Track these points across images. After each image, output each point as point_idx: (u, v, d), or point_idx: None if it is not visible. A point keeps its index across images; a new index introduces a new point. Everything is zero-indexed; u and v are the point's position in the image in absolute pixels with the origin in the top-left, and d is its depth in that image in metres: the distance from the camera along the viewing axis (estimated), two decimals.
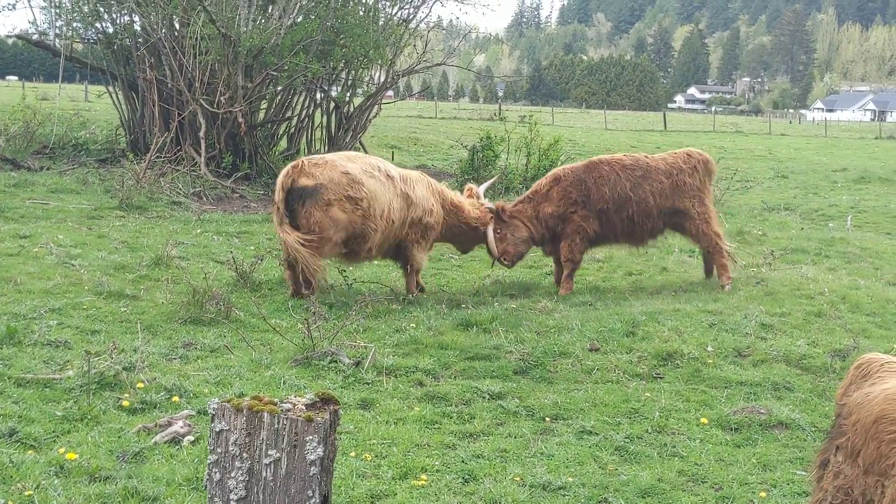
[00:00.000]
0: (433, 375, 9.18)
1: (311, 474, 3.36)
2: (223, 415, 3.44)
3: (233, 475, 3.41)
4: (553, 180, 13.42)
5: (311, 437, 3.33)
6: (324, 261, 11.93)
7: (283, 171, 11.86)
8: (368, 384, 8.80)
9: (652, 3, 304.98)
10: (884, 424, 4.76)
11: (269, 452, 3.39)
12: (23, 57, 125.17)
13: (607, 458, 7.38)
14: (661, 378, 9.39)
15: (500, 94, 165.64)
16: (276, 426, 3.41)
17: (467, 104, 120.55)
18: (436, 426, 7.91)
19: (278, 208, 11.67)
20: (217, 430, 3.44)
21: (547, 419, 8.20)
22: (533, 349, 9.84)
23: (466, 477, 6.88)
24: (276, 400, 3.46)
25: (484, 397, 8.61)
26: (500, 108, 69.21)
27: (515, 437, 7.74)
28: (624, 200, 13.30)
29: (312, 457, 3.34)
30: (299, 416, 3.37)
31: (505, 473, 6.96)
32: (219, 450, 3.46)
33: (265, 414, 3.42)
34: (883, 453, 4.74)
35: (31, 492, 6.08)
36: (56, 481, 6.29)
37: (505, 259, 13.28)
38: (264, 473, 3.41)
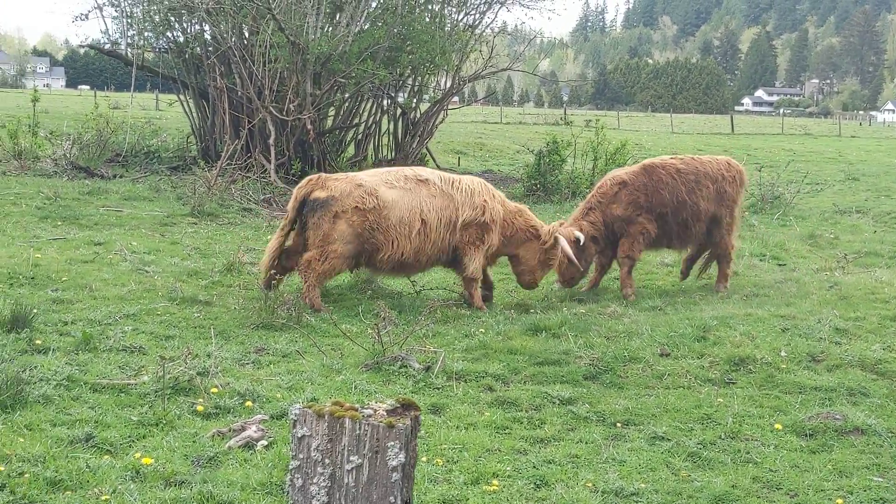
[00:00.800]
0: (503, 380, 9.17)
1: (392, 480, 3.36)
2: (305, 420, 3.45)
3: (315, 481, 3.43)
4: (619, 184, 13.35)
5: (392, 443, 3.34)
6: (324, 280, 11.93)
7: (301, 183, 11.98)
8: (438, 389, 8.81)
9: (718, 5, 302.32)
10: None
11: (351, 458, 3.40)
12: (94, 67, 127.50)
13: (680, 465, 7.31)
14: (733, 383, 9.29)
15: (565, 98, 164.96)
16: (357, 432, 3.42)
17: (532, 109, 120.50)
18: (506, 431, 7.89)
19: (287, 214, 11.85)
20: (299, 435, 3.45)
21: (618, 425, 8.15)
22: (603, 354, 9.80)
23: (538, 482, 6.86)
24: (357, 406, 3.47)
25: (554, 402, 8.58)
26: (565, 113, 69.03)
27: (587, 443, 7.69)
28: (681, 205, 13.37)
29: (394, 463, 3.35)
30: (381, 421, 3.38)
31: (577, 479, 6.92)
32: (301, 455, 3.48)
33: (347, 419, 3.42)
34: None
35: (107, 496, 6.15)
36: (132, 486, 6.36)
37: (570, 284, 13.34)
38: (346, 479, 3.42)
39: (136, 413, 7.71)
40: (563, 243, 12.56)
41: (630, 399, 8.75)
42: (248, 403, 8.07)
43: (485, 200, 12.31)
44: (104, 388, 8.24)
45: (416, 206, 11.90)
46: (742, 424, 8.19)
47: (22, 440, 6.98)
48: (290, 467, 3.55)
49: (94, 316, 10.42)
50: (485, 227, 12.26)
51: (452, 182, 12.32)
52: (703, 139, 56.04)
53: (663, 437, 7.83)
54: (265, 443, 7.27)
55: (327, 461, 3.43)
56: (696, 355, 10.01)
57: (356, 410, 3.44)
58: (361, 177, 12.11)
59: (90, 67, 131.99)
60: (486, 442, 7.55)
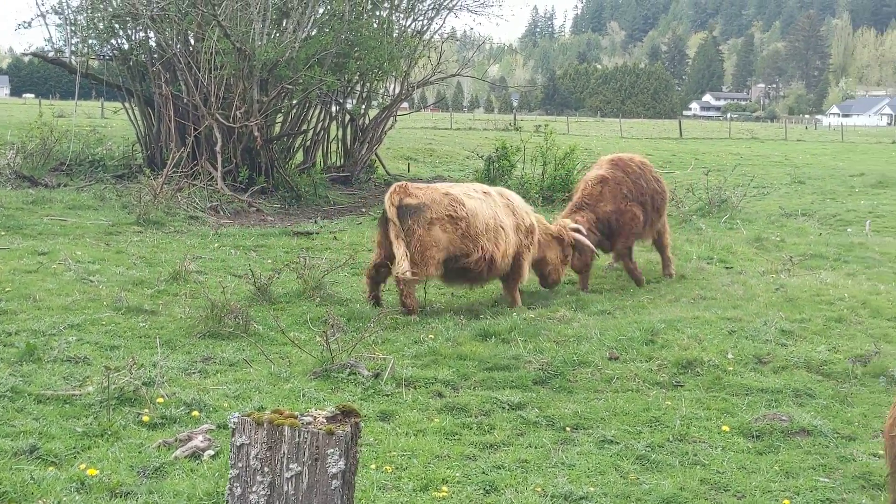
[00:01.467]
0: (452, 386, 9.14)
1: (332, 488, 3.32)
2: (244, 429, 3.41)
3: (254, 490, 3.38)
4: (600, 181, 13.95)
5: (332, 451, 3.30)
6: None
7: (391, 190, 12.00)
8: (388, 396, 8.77)
9: (665, 11, 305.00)
10: None
11: (291, 466, 3.36)
12: (39, 75, 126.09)
13: (629, 468, 7.33)
14: (681, 386, 9.34)
15: (515, 104, 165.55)
16: (297, 440, 3.38)
17: (482, 115, 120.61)
18: (456, 437, 7.87)
19: (394, 223, 11.79)
20: (238, 444, 3.41)
21: (567, 429, 8.16)
22: (552, 359, 9.80)
23: (487, 488, 6.85)
24: (296, 413, 3.43)
25: (504, 408, 8.57)
26: (514, 119, 69.24)
27: (536, 448, 7.69)
28: (653, 193, 14.26)
29: (334, 470, 3.31)
30: (320, 429, 3.35)
31: (526, 484, 6.92)
32: (240, 464, 3.43)
33: (286, 427, 3.39)
34: None
35: None
36: (77, 497, 6.28)
37: (586, 270, 13.85)
38: (286, 488, 3.38)
39: (81, 424, 7.62)
40: (581, 237, 13.32)
41: (579, 403, 8.77)
42: (195, 413, 7.99)
43: (526, 209, 13.04)
44: (48, 399, 8.14)
45: (493, 213, 12.40)
46: (690, 427, 8.23)
47: None
48: (230, 476, 3.50)
49: (38, 326, 10.30)
50: (533, 232, 12.90)
51: (501, 192, 13.06)
52: (651, 143, 56.40)
53: (612, 441, 7.85)
54: (212, 452, 7.20)
55: (266, 469, 3.39)
56: (645, 358, 10.05)
57: (296, 418, 3.41)
58: (443, 187, 12.48)
59: (35, 76, 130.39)
60: (435, 448, 7.53)
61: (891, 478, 5.41)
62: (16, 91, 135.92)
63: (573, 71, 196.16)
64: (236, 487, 3.42)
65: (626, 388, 9.23)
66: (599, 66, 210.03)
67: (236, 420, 3.39)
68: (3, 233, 15.85)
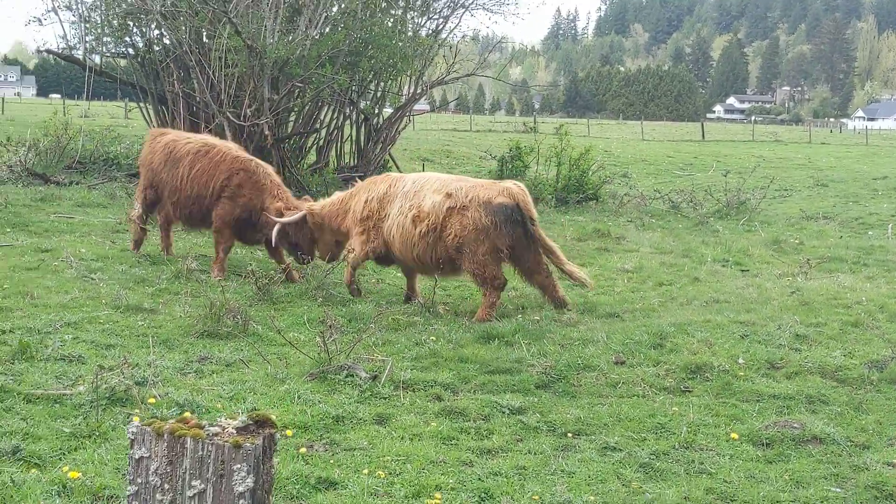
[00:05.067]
0: (452, 390, 8.90)
1: None
2: (143, 439, 3.14)
3: None
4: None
5: (238, 466, 3.03)
6: None
7: (522, 189, 12.03)
8: (385, 399, 8.54)
9: (690, 13, 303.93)
10: None
11: (193, 483, 3.08)
12: (65, 75, 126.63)
13: (631, 476, 7.08)
14: (689, 392, 9.07)
15: (537, 106, 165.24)
16: (200, 453, 3.11)
17: (503, 117, 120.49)
18: (453, 442, 7.62)
19: (535, 221, 11.89)
20: (136, 457, 3.13)
21: (569, 435, 7.91)
22: (556, 362, 9.54)
23: (482, 496, 6.60)
24: (203, 423, 3.16)
25: (504, 412, 8.33)
26: (535, 120, 68.94)
27: (535, 454, 7.44)
28: None
29: (241, 488, 3.02)
30: (226, 441, 3.06)
31: (523, 492, 6.67)
32: (139, 480, 3.16)
33: (188, 439, 3.11)
34: None
35: None
36: (57, 501, 6.07)
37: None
38: None
39: (69, 424, 7.43)
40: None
41: (582, 408, 8.51)
42: (187, 414, 7.66)
43: None
44: (38, 398, 7.95)
45: None
46: (697, 434, 7.97)
47: None
48: (128, 493, 3.22)
49: (34, 324, 10.11)
50: None
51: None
52: (673, 146, 56.10)
53: (615, 448, 7.60)
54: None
55: (167, 486, 3.11)
56: (652, 363, 9.79)
57: (201, 428, 3.13)
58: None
59: (61, 76, 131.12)
60: (430, 453, 7.29)
61: None
62: (42, 91, 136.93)
63: (595, 73, 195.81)
64: None
65: (632, 394, 8.96)
66: (622, 69, 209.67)
67: (135, 429, 3.12)
68: (8, 230, 15.69)
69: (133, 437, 3.13)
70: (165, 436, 3.11)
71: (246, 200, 13.64)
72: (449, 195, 11.91)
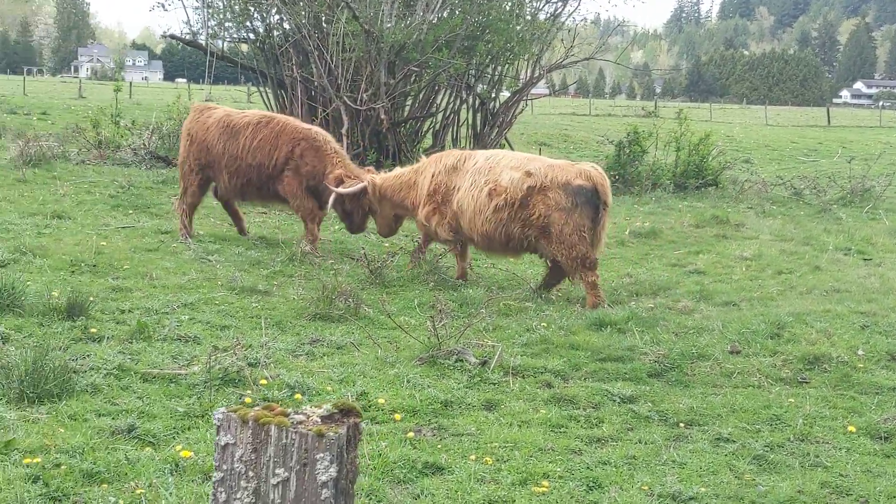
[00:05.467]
0: (562, 377, 8.80)
1: (322, 497, 2.98)
2: (229, 426, 3.11)
3: (238, 496, 3.06)
4: None
5: (322, 455, 2.98)
6: None
7: (600, 172, 11.99)
8: (494, 385, 8.48)
9: None
10: None
11: (277, 471, 3.04)
12: (191, 60, 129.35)
13: (744, 468, 6.91)
14: (806, 383, 8.83)
15: (658, 90, 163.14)
16: (283, 441, 3.07)
17: (623, 101, 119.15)
18: (562, 430, 7.53)
19: (607, 206, 11.90)
20: (222, 443, 3.11)
21: (681, 425, 7.75)
22: (669, 351, 9.35)
23: (591, 485, 6.50)
24: (289, 410, 3.13)
25: (614, 401, 8.21)
26: (655, 105, 68.06)
27: (646, 444, 7.32)
28: None
29: (324, 478, 2.97)
30: (310, 430, 3.03)
31: (632, 482, 6.56)
32: (224, 466, 3.13)
33: (272, 427, 3.07)
34: None
35: (142, 490, 5.95)
36: (169, 479, 6.15)
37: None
38: (272, 495, 3.04)
39: (183, 404, 7.54)
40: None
41: (695, 398, 8.33)
42: (297, 396, 7.83)
43: None
44: (154, 377, 8.09)
45: None
46: (813, 426, 7.75)
47: (63, 430, 6.83)
48: (214, 480, 3.21)
49: (152, 305, 10.30)
50: None
51: None
52: (798, 131, 54.80)
53: (728, 439, 7.43)
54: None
55: (251, 474, 3.07)
56: (769, 353, 9.54)
57: (286, 416, 3.10)
58: None
59: (187, 60, 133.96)
60: (539, 441, 7.22)
61: None
62: (169, 76, 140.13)
63: (719, 57, 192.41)
64: (220, 493, 3.10)
65: (747, 384, 8.76)
66: (746, 53, 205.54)
67: (221, 416, 3.09)
68: (130, 211, 16.05)
69: (219, 424, 3.12)
70: (250, 423, 3.08)
71: (310, 169, 13.77)
72: (529, 174, 11.80)
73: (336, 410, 3.13)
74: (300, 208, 13.90)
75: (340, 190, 13.27)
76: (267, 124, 14.00)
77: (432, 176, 12.53)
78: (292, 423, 3.08)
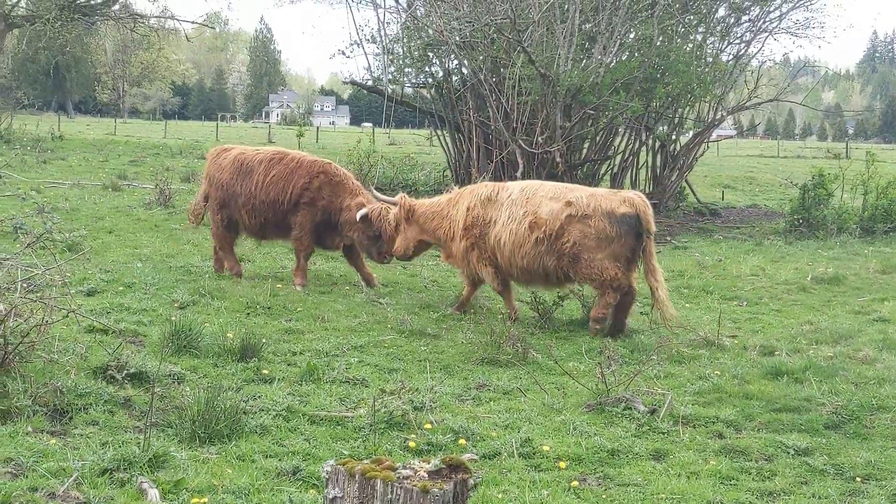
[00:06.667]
0: (734, 427, 8.50)
1: None
2: (337, 479, 3.07)
3: None
4: None
5: None
6: None
7: (643, 199, 11.91)
8: (663, 434, 8.25)
9: None
10: None
11: None
12: (377, 105, 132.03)
13: None
14: None
15: (851, 131, 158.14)
16: (389, 496, 3.00)
17: (814, 142, 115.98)
18: (732, 482, 7.26)
19: (651, 234, 11.80)
20: (330, 497, 3.06)
21: (857, 479, 7.37)
22: (848, 402, 8.93)
23: None
24: (397, 464, 3.05)
25: (788, 453, 7.86)
26: (847, 146, 65.96)
27: (820, 498, 6.98)
28: None
29: None
30: (415, 485, 2.95)
31: None
32: None
33: (378, 481, 3.01)
34: None
35: None
36: None
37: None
38: None
39: (348, 447, 7.55)
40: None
41: (874, 451, 7.92)
42: (462, 441, 7.77)
43: None
44: (321, 420, 8.14)
45: None
46: None
47: (231, 471, 6.92)
48: None
49: (322, 347, 10.43)
50: None
51: None
52: None
53: None
54: (472, 483, 6.94)
55: None
56: None
57: (393, 470, 3.02)
58: None
59: (372, 105, 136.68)
60: (708, 493, 6.97)
61: None
62: (355, 120, 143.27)
63: None
64: None
65: None
66: None
67: (329, 469, 3.04)
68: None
69: (327, 477, 3.08)
70: (357, 477, 3.04)
71: (326, 203, 13.81)
72: (569, 203, 11.69)
73: (444, 466, 3.07)
74: (299, 240, 13.97)
75: (383, 198, 13.47)
76: (280, 160, 14.14)
77: (468, 209, 12.43)
78: (398, 477, 3.02)
